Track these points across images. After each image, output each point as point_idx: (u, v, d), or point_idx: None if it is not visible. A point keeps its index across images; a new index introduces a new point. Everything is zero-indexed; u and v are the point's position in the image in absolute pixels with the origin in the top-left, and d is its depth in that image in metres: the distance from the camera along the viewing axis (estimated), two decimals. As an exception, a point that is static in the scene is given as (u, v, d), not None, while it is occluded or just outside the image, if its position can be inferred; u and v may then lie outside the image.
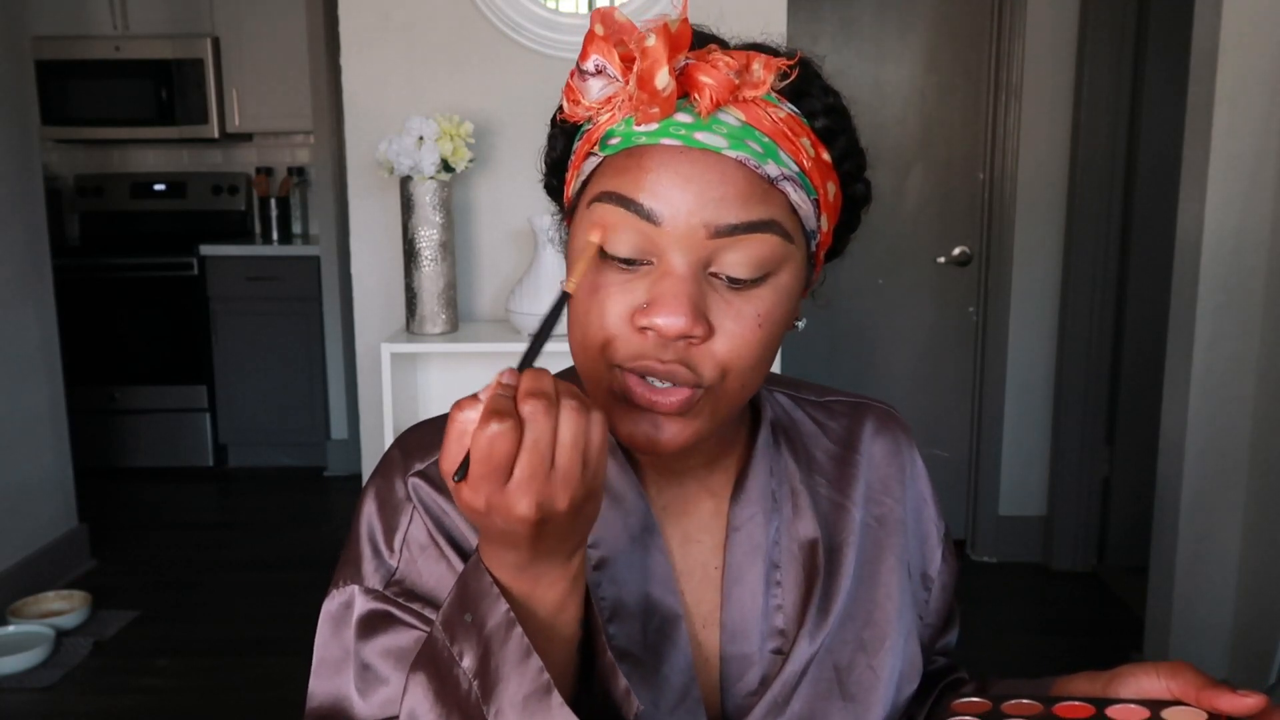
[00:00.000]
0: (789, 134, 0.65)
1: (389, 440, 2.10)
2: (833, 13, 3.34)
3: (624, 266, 0.64)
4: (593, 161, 0.67)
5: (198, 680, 2.73)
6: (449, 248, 2.19)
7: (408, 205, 2.16)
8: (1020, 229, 3.26)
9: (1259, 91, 2.22)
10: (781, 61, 0.65)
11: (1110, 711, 0.65)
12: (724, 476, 0.76)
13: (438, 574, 0.71)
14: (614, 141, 0.65)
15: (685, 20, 0.63)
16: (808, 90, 0.67)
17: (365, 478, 2.40)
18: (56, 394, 3.35)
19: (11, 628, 2.84)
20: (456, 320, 2.24)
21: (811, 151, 0.66)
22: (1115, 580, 3.28)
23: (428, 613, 0.69)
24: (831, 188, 0.68)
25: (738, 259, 0.64)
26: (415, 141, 2.09)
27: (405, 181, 2.15)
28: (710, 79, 0.63)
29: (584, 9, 2.35)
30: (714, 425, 0.67)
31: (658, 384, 0.64)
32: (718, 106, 0.63)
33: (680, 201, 0.63)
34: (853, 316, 3.44)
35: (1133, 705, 0.65)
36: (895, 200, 3.39)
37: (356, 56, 2.32)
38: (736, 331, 0.64)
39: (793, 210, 0.66)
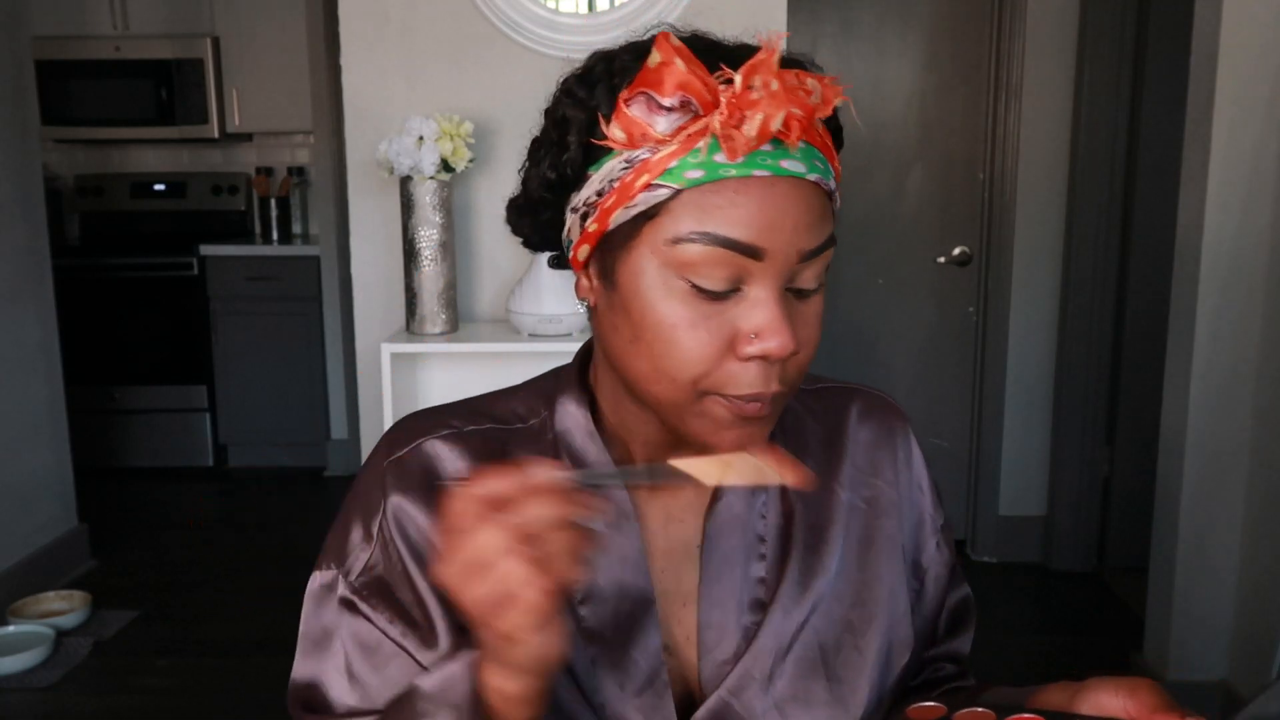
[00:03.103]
0: (830, 147, 0.68)
1: (389, 440, 2.10)
2: (833, 13, 3.34)
3: (714, 299, 0.65)
4: (660, 194, 0.63)
5: (198, 680, 2.73)
6: (449, 248, 2.19)
7: (408, 205, 2.16)
8: (1020, 229, 3.26)
9: (1259, 91, 2.22)
10: (835, 83, 0.65)
11: None
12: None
13: (393, 560, 0.74)
14: (694, 175, 0.62)
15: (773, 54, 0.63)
16: None
17: (365, 478, 2.39)
18: (56, 393, 3.35)
19: (11, 628, 2.84)
20: (456, 320, 2.24)
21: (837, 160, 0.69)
22: (1115, 580, 3.28)
23: (391, 607, 0.73)
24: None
25: (811, 273, 0.67)
26: (415, 141, 2.09)
27: (405, 181, 2.15)
28: (800, 109, 0.63)
29: (584, 9, 2.35)
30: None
31: None
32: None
33: (779, 233, 0.64)
34: (853, 316, 3.44)
35: None
36: (895, 200, 3.39)
37: (356, 56, 2.32)
38: (808, 337, 0.68)
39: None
